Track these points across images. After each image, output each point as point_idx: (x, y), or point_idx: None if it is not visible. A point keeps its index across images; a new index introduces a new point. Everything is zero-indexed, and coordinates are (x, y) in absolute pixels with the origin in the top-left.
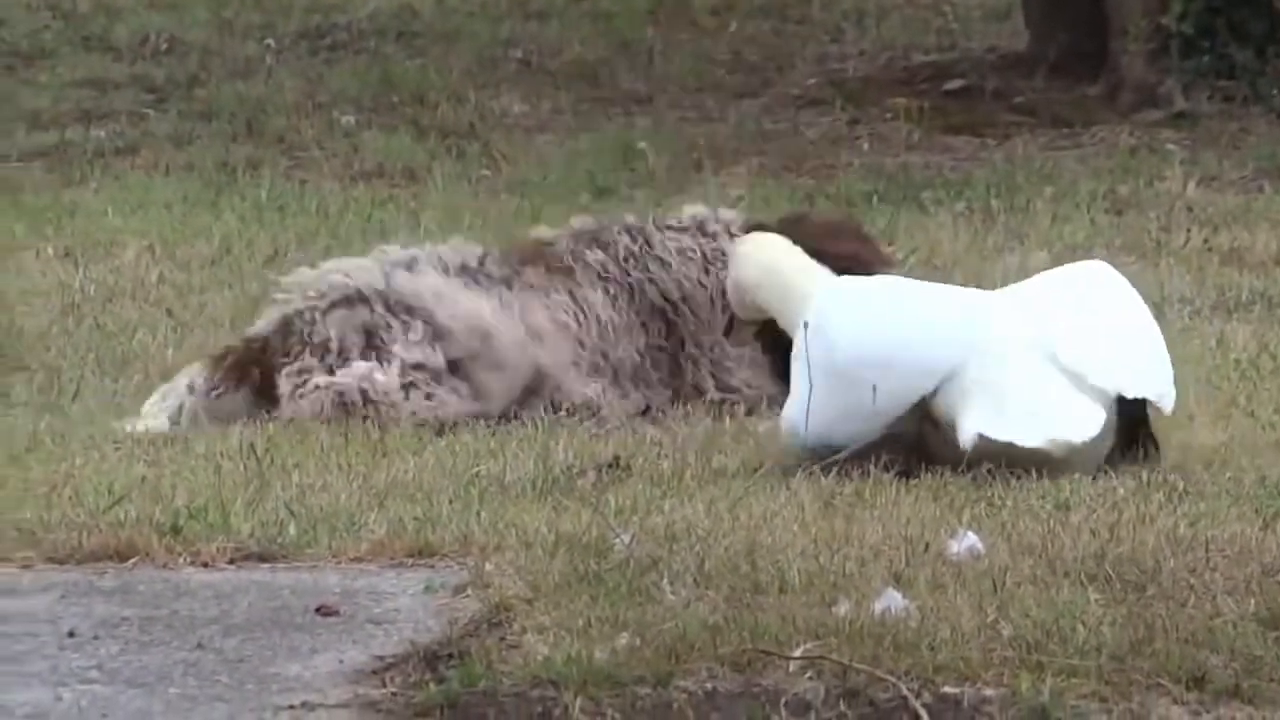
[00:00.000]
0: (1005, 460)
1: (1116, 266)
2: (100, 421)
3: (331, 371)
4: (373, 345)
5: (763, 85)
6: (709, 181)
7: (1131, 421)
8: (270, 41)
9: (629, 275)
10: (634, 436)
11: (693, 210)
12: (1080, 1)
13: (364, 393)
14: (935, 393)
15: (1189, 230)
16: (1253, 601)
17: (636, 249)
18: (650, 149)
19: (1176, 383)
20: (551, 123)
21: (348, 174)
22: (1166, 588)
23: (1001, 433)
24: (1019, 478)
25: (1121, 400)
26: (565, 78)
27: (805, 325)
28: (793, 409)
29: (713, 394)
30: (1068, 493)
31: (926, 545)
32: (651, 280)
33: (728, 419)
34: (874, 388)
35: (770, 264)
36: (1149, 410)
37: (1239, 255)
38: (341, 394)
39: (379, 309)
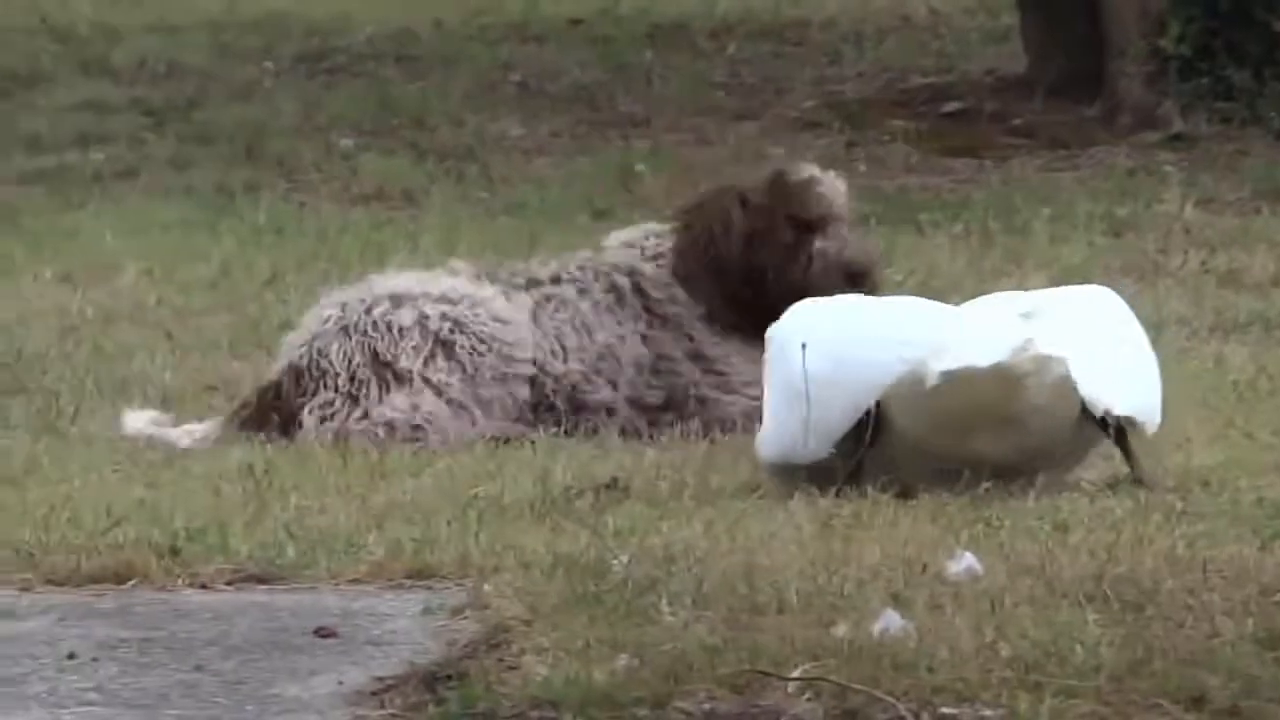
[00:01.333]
0: (971, 411)
1: (1115, 288)
2: (99, 444)
3: (355, 400)
4: (386, 371)
5: (761, 107)
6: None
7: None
8: (269, 64)
9: (592, 273)
10: (632, 457)
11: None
12: (1078, 24)
13: (413, 425)
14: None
15: (1186, 252)
16: (1251, 622)
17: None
18: (648, 171)
19: (1172, 405)
20: (549, 145)
21: (346, 197)
22: (1165, 608)
23: (960, 361)
24: (1016, 497)
25: (1105, 422)
26: (563, 101)
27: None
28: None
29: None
30: (1066, 513)
31: (924, 566)
32: (616, 273)
33: (725, 439)
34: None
35: None
36: (1130, 432)
37: (1236, 277)
38: (391, 426)
39: (383, 335)
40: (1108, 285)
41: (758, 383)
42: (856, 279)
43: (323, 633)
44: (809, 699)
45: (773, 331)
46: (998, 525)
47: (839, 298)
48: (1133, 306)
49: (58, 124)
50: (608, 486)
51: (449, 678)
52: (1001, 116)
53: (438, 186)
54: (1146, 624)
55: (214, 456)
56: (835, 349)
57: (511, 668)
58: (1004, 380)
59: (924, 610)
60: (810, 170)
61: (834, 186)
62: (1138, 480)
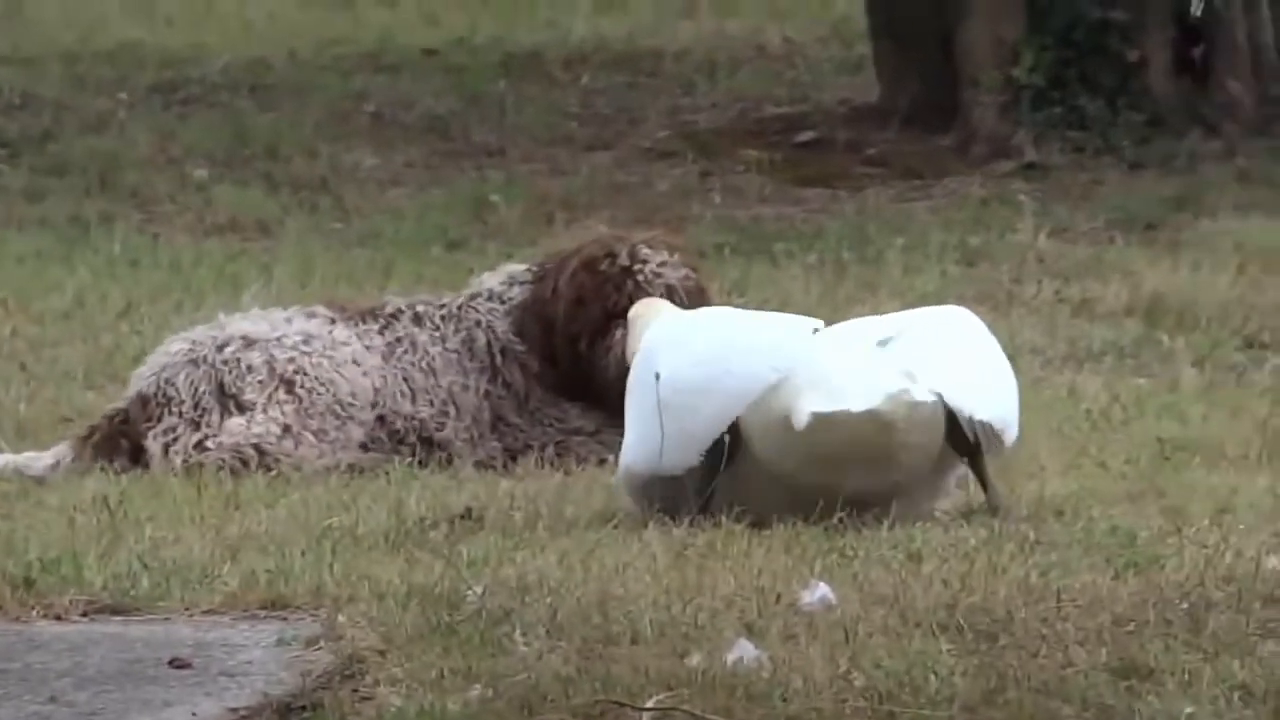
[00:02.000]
0: (842, 452)
1: None
2: None
3: (196, 426)
4: (229, 400)
5: (614, 137)
6: (560, 234)
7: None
8: (123, 96)
9: (453, 324)
10: (486, 488)
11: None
12: (931, 53)
13: (256, 447)
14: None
15: (1040, 281)
16: (1104, 651)
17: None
18: (502, 201)
19: (1026, 434)
20: (404, 176)
21: (200, 228)
22: (1018, 638)
23: (834, 404)
24: (870, 526)
25: (958, 438)
26: (417, 131)
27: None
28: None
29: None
30: (919, 543)
31: (778, 596)
32: (476, 329)
33: (579, 470)
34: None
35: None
36: (988, 445)
37: (1090, 306)
38: (238, 452)
39: (224, 366)
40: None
41: (597, 437)
42: None
43: (177, 664)
44: None
45: (643, 343)
46: (851, 555)
47: (710, 309)
48: None
49: None
50: (462, 517)
51: (303, 708)
52: (855, 146)
53: (292, 217)
54: (1000, 653)
55: (68, 487)
56: (704, 357)
57: (366, 698)
58: (877, 424)
59: (778, 640)
60: (636, 252)
61: (654, 272)
62: (991, 506)
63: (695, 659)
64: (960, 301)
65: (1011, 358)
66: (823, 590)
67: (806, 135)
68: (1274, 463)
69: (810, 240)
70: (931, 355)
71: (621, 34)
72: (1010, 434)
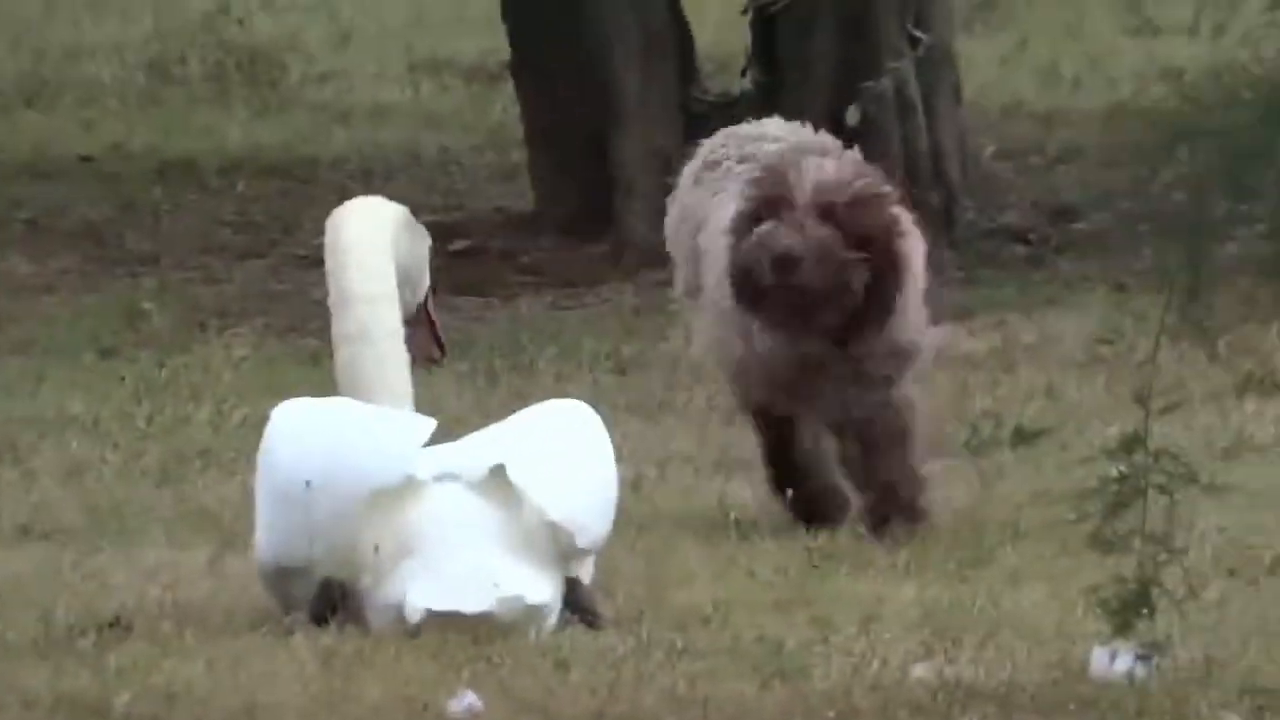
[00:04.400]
0: (456, 626)
1: (620, 426)
2: None
3: None
4: None
5: (269, 245)
6: (213, 342)
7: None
8: None
9: None
10: (135, 595)
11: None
12: (587, 161)
13: None
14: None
15: (692, 389)
16: None
17: None
18: (155, 309)
19: (676, 542)
20: (58, 283)
21: None
22: None
23: (446, 603)
24: (518, 633)
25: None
26: (72, 238)
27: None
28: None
29: None
30: (567, 650)
31: (426, 705)
32: None
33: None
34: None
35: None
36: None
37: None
38: None
39: None
40: (614, 423)
41: None
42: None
43: None
44: None
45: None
46: (499, 663)
47: (328, 400)
48: (639, 444)
49: None
50: (111, 625)
51: None
52: (510, 254)
53: None
54: None
55: None
56: (326, 454)
57: None
58: (491, 625)
59: None
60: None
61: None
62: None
63: None
64: (613, 410)
65: (663, 466)
66: (470, 698)
67: (460, 244)
68: (921, 572)
69: (463, 349)
70: (525, 453)
71: (277, 140)
72: (585, 536)
